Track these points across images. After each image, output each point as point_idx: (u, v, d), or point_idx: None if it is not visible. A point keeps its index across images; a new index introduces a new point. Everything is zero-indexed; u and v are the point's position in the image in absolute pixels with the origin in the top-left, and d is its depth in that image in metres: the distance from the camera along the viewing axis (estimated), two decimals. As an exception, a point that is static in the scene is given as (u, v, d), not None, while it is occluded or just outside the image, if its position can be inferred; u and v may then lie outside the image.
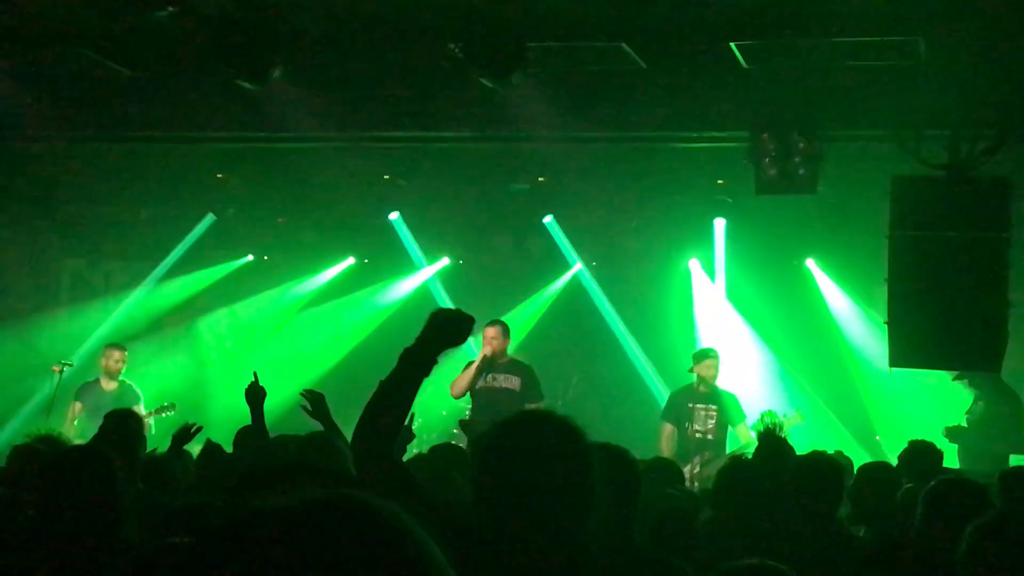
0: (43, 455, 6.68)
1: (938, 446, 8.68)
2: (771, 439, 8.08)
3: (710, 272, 15.66)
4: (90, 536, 4.46)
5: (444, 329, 4.06)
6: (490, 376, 12.09)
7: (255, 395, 7.95)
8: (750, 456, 8.20)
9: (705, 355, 12.83)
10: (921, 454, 8.37)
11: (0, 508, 4.78)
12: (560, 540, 3.22)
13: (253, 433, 7.75)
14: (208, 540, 1.53)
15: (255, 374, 8.04)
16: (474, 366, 12.10)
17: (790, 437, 9.00)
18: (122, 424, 7.70)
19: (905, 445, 8.66)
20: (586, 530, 3.27)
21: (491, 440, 3.40)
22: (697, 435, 12.34)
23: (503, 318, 13.12)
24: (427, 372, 4.03)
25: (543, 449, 3.29)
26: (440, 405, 14.26)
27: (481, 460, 3.39)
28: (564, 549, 3.21)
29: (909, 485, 7.04)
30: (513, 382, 12.05)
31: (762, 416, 9.65)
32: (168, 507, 5.19)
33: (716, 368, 12.67)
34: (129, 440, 7.37)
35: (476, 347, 12.37)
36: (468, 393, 12.17)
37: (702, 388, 12.57)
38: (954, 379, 11.96)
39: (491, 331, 12.22)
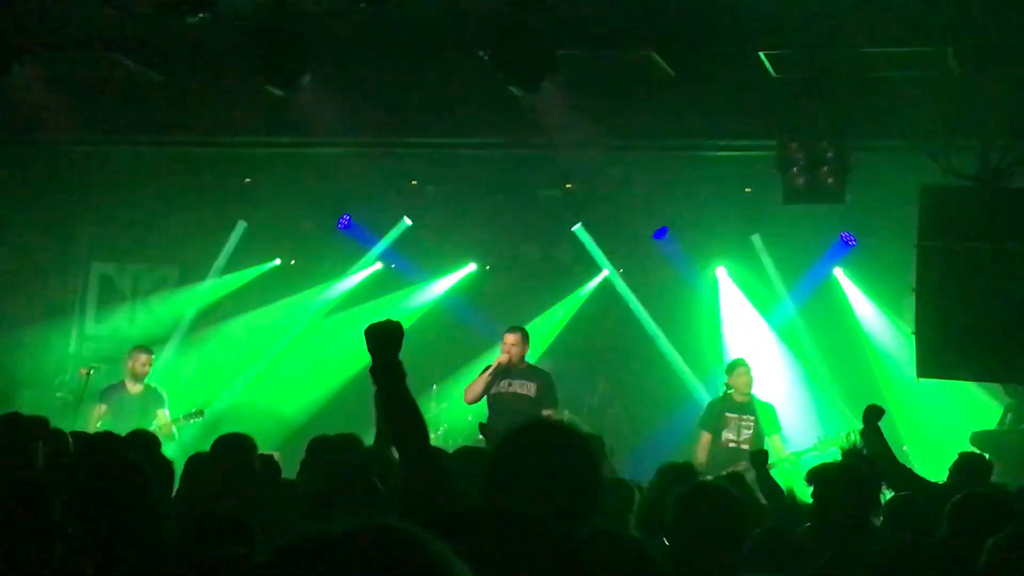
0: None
1: (986, 458, 8.64)
2: (856, 458, 8.01)
3: (737, 280, 15.63)
4: (130, 550, 4.48)
5: (378, 339, 4.30)
6: (506, 382, 11.97)
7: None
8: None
9: (734, 365, 12.87)
10: (970, 467, 8.33)
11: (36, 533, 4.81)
12: (560, 545, 3.29)
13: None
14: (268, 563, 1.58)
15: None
16: (489, 371, 12.02)
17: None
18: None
19: (933, 455, 8.63)
20: (584, 534, 3.35)
21: (502, 447, 3.56)
22: (730, 444, 12.33)
23: (529, 324, 13.09)
24: (398, 376, 4.22)
25: (552, 457, 3.43)
26: (466, 411, 14.27)
27: (491, 466, 3.53)
28: (563, 555, 3.28)
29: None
30: (529, 388, 11.94)
31: (848, 433, 9.51)
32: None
33: (746, 377, 12.65)
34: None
35: (496, 352, 12.32)
36: (484, 399, 12.07)
37: (738, 398, 12.58)
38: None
39: (510, 337, 12.11)
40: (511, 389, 11.94)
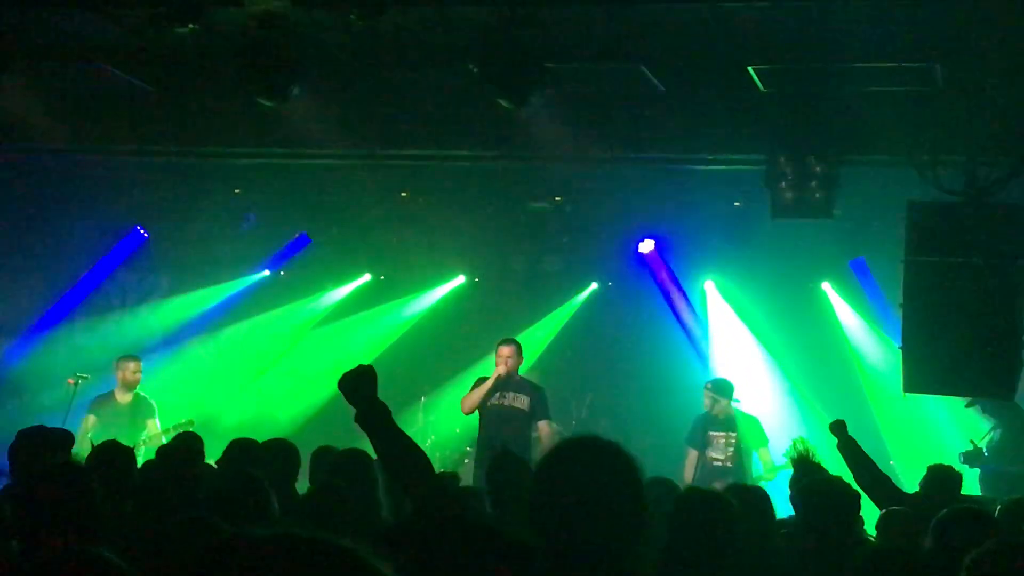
0: None
1: (956, 470, 8.68)
2: (806, 465, 8.07)
3: (725, 294, 15.66)
4: (68, 549, 4.46)
5: (352, 388, 4.29)
6: (499, 394, 12.00)
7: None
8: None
9: (705, 387, 12.90)
10: (941, 479, 8.37)
11: None
12: (611, 563, 3.28)
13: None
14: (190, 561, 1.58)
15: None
16: (487, 383, 12.01)
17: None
18: (114, 453, 7.62)
19: (920, 469, 8.67)
20: (636, 554, 3.32)
21: (547, 464, 3.47)
22: (715, 463, 12.33)
23: (517, 337, 13.12)
24: (384, 416, 4.24)
25: (598, 475, 3.35)
26: (454, 422, 14.27)
27: (537, 483, 3.45)
28: (615, 571, 3.27)
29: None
30: (522, 401, 11.97)
31: (793, 443, 9.62)
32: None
33: (708, 398, 12.65)
34: (122, 465, 7.35)
35: (486, 363, 12.35)
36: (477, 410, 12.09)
37: (720, 414, 12.57)
38: (967, 406, 11.93)
39: (505, 350, 12.16)
40: (504, 402, 11.96)
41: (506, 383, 12.02)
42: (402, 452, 4.22)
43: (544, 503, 3.37)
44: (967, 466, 11.21)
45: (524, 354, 12.58)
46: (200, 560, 1.57)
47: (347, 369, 4.35)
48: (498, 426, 11.55)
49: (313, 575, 1.53)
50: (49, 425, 9.76)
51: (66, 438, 7.83)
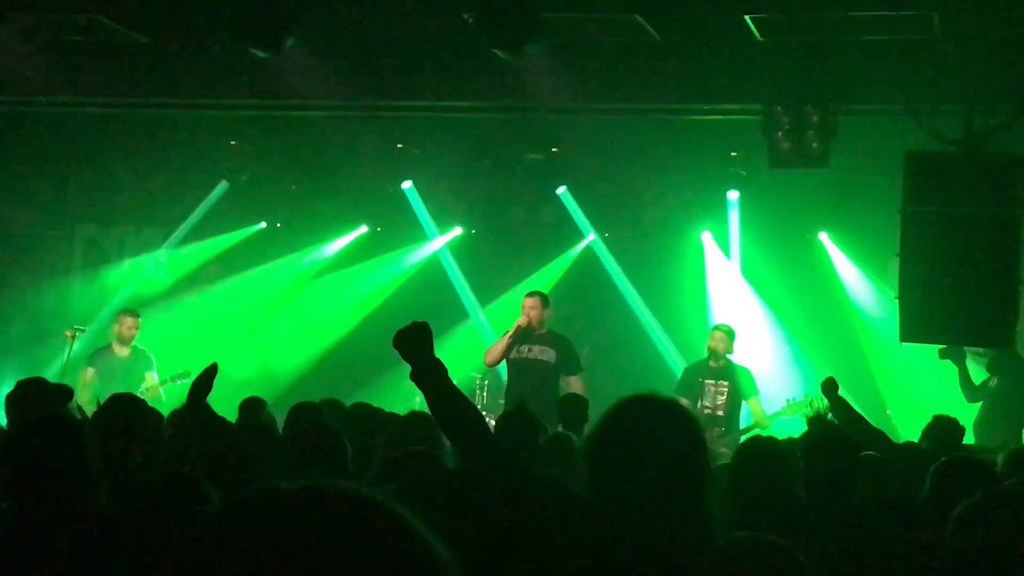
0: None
1: (959, 421, 8.70)
2: (821, 423, 8.12)
3: (723, 245, 15.63)
4: (57, 503, 4.45)
5: (408, 344, 4.13)
6: (525, 347, 11.88)
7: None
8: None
9: (713, 329, 12.87)
10: (943, 428, 8.39)
11: None
12: (677, 523, 3.25)
13: None
14: (213, 515, 1.57)
15: None
16: (506, 335, 11.96)
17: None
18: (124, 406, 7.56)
19: (916, 419, 8.69)
20: (702, 514, 3.29)
21: (607, 424, 3.39)
22: (706, 411, 12.32)
23: (514, 289, 13.09)
24: (440, 372, 4.10)
25: (660, 433, 3.29)
26: (455, 372, 14.24)
27: (597, 444, 3.39)
28: (682, 532, 3.24)
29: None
30: (549, 354, 11.85)
31: (810, 401, 9.55)
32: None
33: (722, 342, 12.61)
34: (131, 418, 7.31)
35: (491, 316, 12.31)
36: (504, 362, 12.05)
37: (713, 363, 12.56)
38: (970, 354, 11.92)
39: (529, 301, 12.03)
40: (530, 355, 11.85)
41: (531, 336, 11.94)
42: (457, 411, 4.11)
43: (606, 462, 3.30)
44: (946, 359, 11.23)
45: (520, 306, 12.53)
46: (226, 514, 1.56)
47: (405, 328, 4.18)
48: (521, 380, 11.52)
49: (339, 523, 1.52)
50: (48, 377, 9.79)
51: (64, 391, 7.83)
